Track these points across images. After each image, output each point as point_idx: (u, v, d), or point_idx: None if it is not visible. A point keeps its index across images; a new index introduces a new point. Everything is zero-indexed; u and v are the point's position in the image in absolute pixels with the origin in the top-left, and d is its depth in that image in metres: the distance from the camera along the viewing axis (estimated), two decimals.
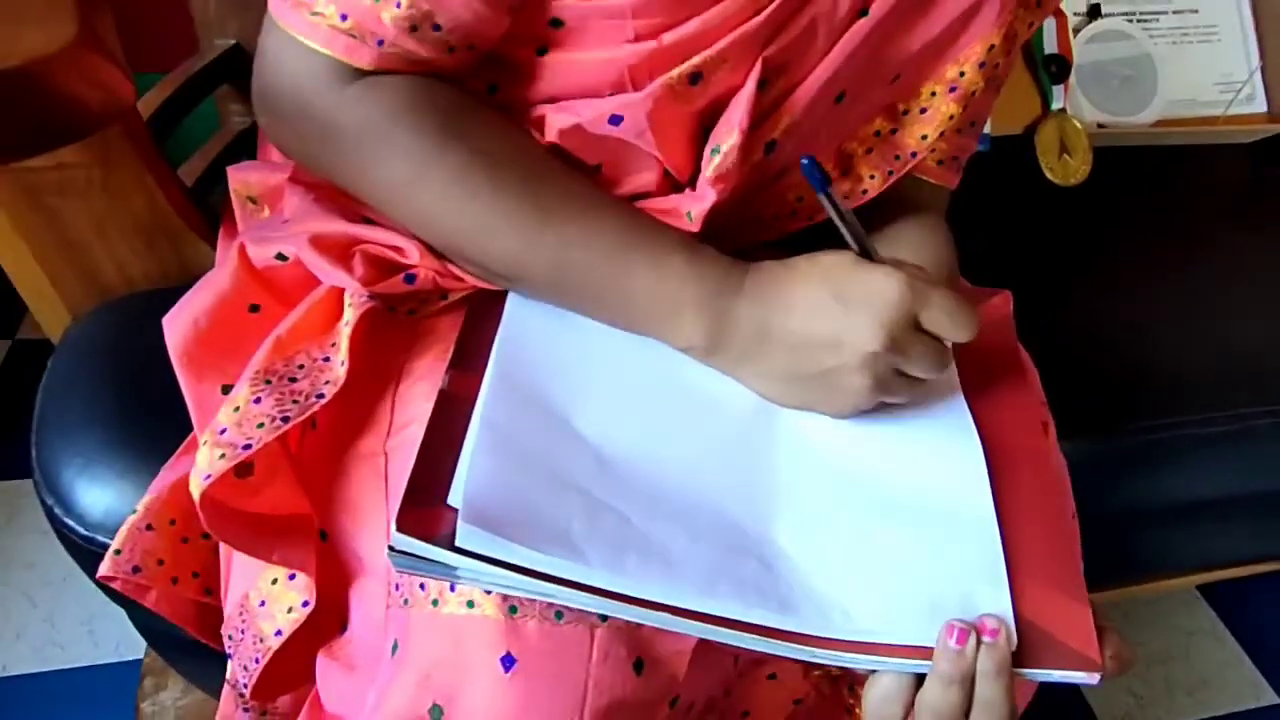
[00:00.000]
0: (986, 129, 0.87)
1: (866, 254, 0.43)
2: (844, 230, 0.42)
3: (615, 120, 0.42)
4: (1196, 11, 0.93)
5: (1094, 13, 0.91)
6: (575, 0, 0.40)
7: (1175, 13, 0.93)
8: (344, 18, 0.40)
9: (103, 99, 0.36)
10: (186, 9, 0.75)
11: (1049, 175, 0.88)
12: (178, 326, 0.44)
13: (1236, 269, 0.85)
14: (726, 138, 0.43)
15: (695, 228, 0.45)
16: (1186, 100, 0.93)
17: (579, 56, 0.42)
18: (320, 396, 0.40)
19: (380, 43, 0.40)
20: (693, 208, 0.45)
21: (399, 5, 0.39)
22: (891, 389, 0.43)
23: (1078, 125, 0.88)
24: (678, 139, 0.44)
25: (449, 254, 0.45)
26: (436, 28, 0.40)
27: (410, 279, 0.45)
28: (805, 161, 0.40)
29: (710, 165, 0.44)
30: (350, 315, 0.42)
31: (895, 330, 0.40)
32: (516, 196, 0.42)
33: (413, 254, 0.45)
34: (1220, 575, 0.95)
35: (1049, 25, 0.88)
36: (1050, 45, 0.88)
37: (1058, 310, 0.76)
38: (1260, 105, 0.95)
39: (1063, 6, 0.89)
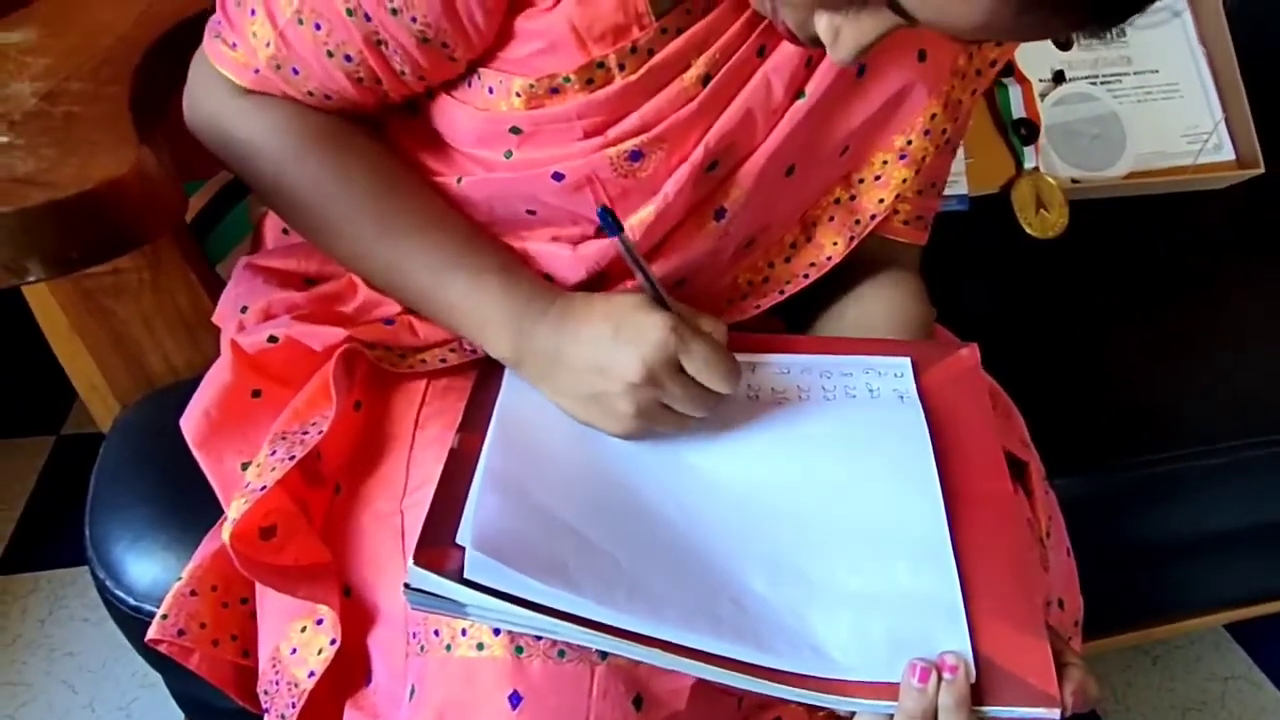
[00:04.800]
0: (964, 190, 0.92)
1: (659, 298, 0.48)
2: (638, 273, 0.47)
3: (557, 177, 0.48)
4: (1157, 71, 0.99)
5: (1059, 78, 0.97)
6: (528, 111, 0.47)
7: (1137, 73, 0.98)
8: (234, 46, 0.48)
9: (161, 212, 0.42)
10: None
11: (1028, 230, 0.92)
12: (192, 421, 0.51)
13: (1218, 309, 0.88)
14: (653, 204, 0.49)
15: (573, 277, 0.51)
16: (1156, 153, 0.98)
17: (538, 154, 0.48)
18: (321, 432, 0.46)
19: (256, 71, 0.48)
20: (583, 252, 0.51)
21: (268, 45, 0.47)
22: (656, 419, 0.47)
23: (1051, 181, 0.92)
24: (621, 200, 0.49)
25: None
26: (295, 71, 0.48)
27: (390, 322, 0.52)
28: (599, 210, 0.46)
29: (631, 220, 0.50)
30: (333, 359, 0.49)
31: (655, 367, 0.45)
32: (360, 209, 0.50)
33: (361, 291, 0.53)
34: (1247, 614, 0.94)
35: (1015, 91, 0.93)
36: (1018, 110, 0.93)
37: (1047, 355, 0.79)
38: (1228, 154, 0.99)
39: (1027, 73, 0.94)
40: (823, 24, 0.40)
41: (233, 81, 0.49)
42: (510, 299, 0.49)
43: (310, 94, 0.49)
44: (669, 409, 0.47)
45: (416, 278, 0.50)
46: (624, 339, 0.46)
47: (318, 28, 0.45)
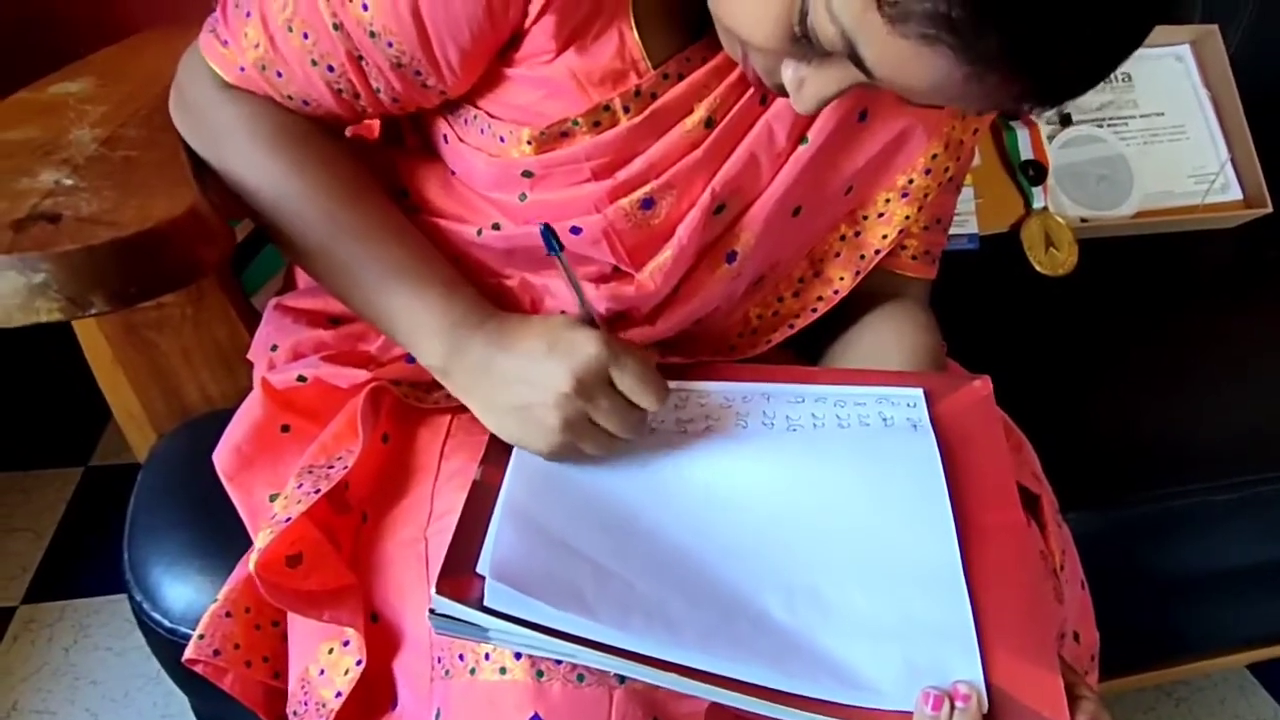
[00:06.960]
0: (974, 230, 0.94)
1: (591, 320, 0.50)
2: (575, 293, 0.49)
3: (575, 230, 0.51)
4: (1163, 114, 1.01)
5: (1065, 121, 0.99)
6: (538, 155, 0.50)
7: (1143, 116, 1.01)
8: (225, 43, 0.51)
9: (213, 249, 0.45)
10: None
11: (1038, 268, 0.94)
12: (224, 455, 0.53)
13: (1228, 345, 0.89)
14: (669, 249, 0.52)
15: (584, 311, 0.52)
16: (1164, 193, 0.99)
17: (552, 196, 0.51)
18: (346, 467, 0.48)
19: (241, 69, 0.51)
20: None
21: (257, 46, 0.50)
22: (581, 435, 0.48)
23: (1060, 221, 0.94)
24: (638, 249, 0.52)
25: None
26: (279, 75, 0.50)
27: (411, 359, 0.54)
28: (541, 227, 0.47)
29: (650, 266, 0.52)
30: (361, 395, 0.51)
31: (585, 380, 0.46)
32: (317, 209, 0.51)
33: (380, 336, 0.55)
34: (1270, 654, 0.93)
35: (1023, 134, 0.96)
36: (1026, 152, 0.96)
37: (1060, 391, 0.80)
38: (1236, 193, 1.00)
39: (1034, 116, 0.97)
40: (789, 73, 0.43)
41: (218, 75, 0.52)
42: (449, 310, 0.50)
43: (290, 98, 0.51)
44: (595, 427, 0.48)
45: (363, 284, 0.51)
46: (558, 353, 0.47)
47: (305, 37, 0.48)
